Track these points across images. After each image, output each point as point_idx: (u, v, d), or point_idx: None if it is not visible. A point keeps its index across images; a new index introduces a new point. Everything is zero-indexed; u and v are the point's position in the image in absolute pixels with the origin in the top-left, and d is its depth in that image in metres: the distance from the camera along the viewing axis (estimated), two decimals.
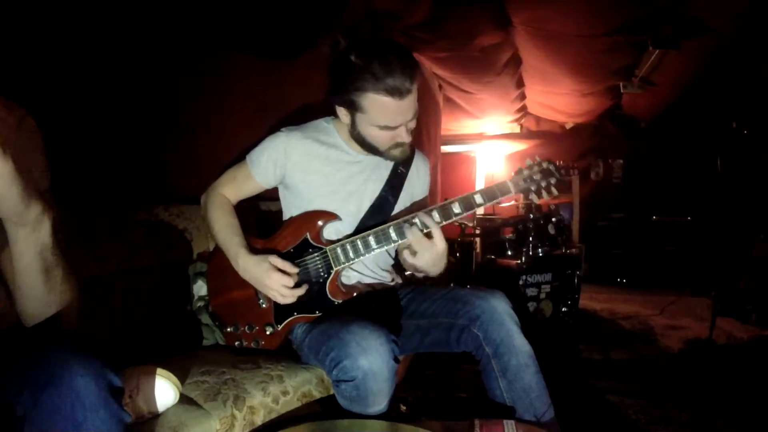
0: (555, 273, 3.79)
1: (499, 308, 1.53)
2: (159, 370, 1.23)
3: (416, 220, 1.52)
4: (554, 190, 1.61)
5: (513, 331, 1.50)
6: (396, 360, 1.32)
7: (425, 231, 1.50)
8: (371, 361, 1.27)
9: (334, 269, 1.57)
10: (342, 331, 1.34)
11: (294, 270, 1.54)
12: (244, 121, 2.51)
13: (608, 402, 2.45)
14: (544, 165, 1.62)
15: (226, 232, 1.63)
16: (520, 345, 1.50)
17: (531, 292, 3.69)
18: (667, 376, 2.90)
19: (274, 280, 1.51)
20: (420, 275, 1.62)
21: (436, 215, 1.53)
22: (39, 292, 0.97)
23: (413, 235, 1.48)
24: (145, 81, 2.06)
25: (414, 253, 1.50)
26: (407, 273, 1.65)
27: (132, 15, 1.99)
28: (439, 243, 1.49)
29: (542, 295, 3.74)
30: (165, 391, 1.22)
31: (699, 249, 5.54)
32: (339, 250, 1.57)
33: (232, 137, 2.36)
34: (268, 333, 1.61)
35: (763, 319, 3.98)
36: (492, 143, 7.63)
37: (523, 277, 3.62)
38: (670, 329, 3.97)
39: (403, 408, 2.28)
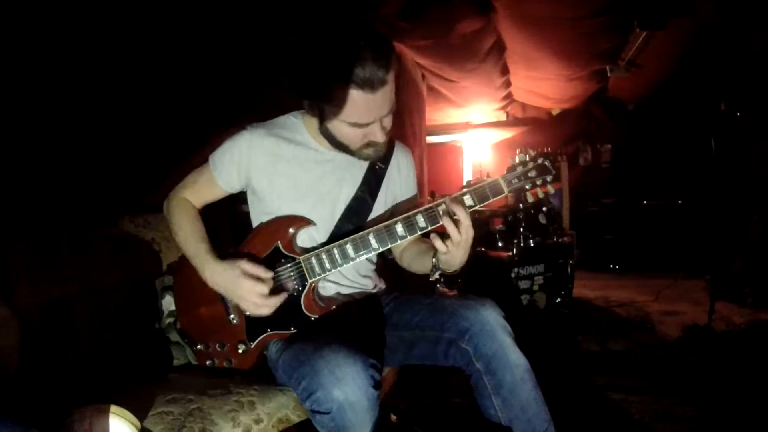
0: (547, 263, 3.69)
1: (491, 319, 1.38)
2: (113, 408, 1.10)
3: (443, 208, 1.37)
4: (550, 188, 1.46)
5: (506, 344, 1.36)
6: (377, 386, 1.19)
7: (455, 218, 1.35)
8: (347, 393, 1.13)
9: (309, 281, 1.44)
10: (313, 358, 1.20)
11: (268, 275, 1.40)
12: (217, 118, 2.37)
13: (611, 401, 2.35)
14: (539, 161, 1.45)
15: (191, 240, 1.50)
16: (515, 359, 1.35)
17: (524, 284, 3.59)
18: (668, 366, 2.82)
19: (246, 289, 1.37)
20: (444, 271, 1.48)
21: (467, 199, 1.39)
22: None
23: (447, 223, 1.34)
24: (102, 80, 1.92)
25: (447, 245, 1.36)
26: (433, 276, 1.51)
27: (96, 20, 1.85)
28: (469, 231, 1.35)
29: (535, 287, 3.65)
30: (120, 430, 1.09)
31: (691, 232, 5.48)
32: (314, 261, 1.43)
33: (203, 136, 2.23)
34: (240, 351, 1.48)
35: (760, 301, 3.93)
36: (478, 132, 7.53)
37: (516, 269, 3.53)
38: (667, 315, 3.91)
39: (394, 418, 2.17)
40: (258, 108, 2.38)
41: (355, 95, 1.31)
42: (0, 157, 1.63)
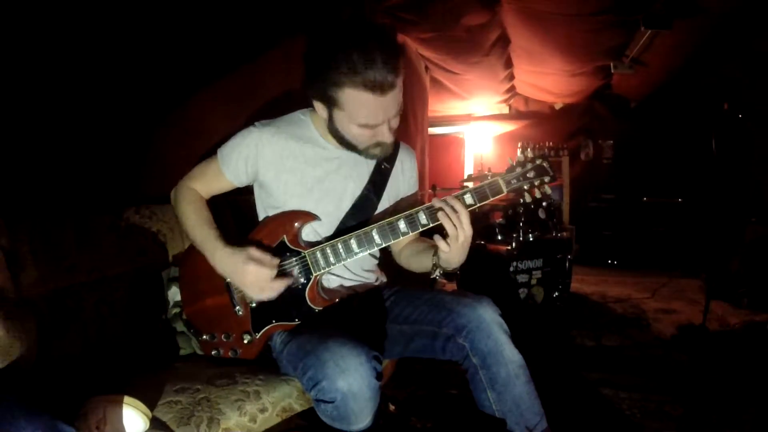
0: (546, 258, 3.74)
1: (487, 317, 1.43)
2: (126, 398, 1.14)
3: (444, 205, 1.40)
4: (547, 189, 1.52)
5: (501, 341, 1.41)
6: (378, 377, 1.24)
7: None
8: (350, 383, 1.18)
9: (314, 275, 1.48)
10: (319, 349, 1.25)
11: (274, 261, 1.43)
12: (221, 111, 2.39)
13: (602, 396, 2.40)
14: (538, 162, 1.50)
15: (200, 226, 1.53)
16: (509, 355, 1.41)
17: (522, 278, 3.64)
18: (661, 364, 2.85)
19: (252, 273, 1.40)
20: (444, 270, 1.52)
21: (468, 198, 1.44)
22: None
23: (446, 222, 1.38)
24: (105, 72, 1.93)
25: (445, 242, 1.40)
26: (435, 274, 1.55)
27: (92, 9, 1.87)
28: (468, 229, 1.39)
29: (533, 281, 3.69)
30: (133, 420, 1.13)
31: (690, 230, 5.51)
32: (319, 255, 1.47)
33: (207, 129, 2.25)
34: (245, 342, 1.52)
35: (755, 303, 3.96)
36: (480, 124, 7.55)
37: (514, 263, 3.57)
38: (662, 313, 3.94)
39: (392, 407, 2.22)
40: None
41: (365, 98, 1.34)
42: (5, 147, 1.65)
